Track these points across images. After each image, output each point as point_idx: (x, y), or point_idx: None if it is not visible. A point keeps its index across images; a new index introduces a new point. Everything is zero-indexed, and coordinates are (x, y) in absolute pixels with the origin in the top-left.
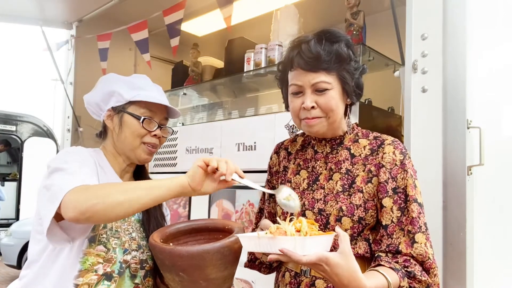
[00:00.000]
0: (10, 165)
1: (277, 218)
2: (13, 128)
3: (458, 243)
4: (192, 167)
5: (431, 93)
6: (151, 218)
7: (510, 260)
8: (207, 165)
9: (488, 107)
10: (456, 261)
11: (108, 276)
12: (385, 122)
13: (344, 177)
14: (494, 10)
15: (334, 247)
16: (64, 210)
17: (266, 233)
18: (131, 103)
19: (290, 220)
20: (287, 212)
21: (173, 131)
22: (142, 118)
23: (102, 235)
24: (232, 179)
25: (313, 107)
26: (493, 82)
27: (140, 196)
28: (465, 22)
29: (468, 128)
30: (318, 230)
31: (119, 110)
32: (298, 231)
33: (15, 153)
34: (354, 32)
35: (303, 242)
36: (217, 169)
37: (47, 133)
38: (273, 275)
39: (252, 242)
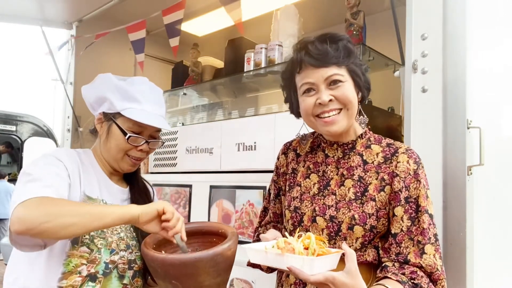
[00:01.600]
0: (10, 165)
1: (285, 233)
2: (13, 128)
3: (458, 243)
4: (151, 207)
5: (431, 93)
6: None
7: (510, 260)
8: (163, 213)
9: (488, 107)
10: (456, 261)
11: (92, 277)
12: (385, 122)
13: (356, 184)
14: (494, 10)
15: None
16: (11, 222)
17: (273, 247)
18: (121, 114)
19: (299, 236)
20: (296, 217)
21: (163, 143)
22: (128, 135)
23: (85, 236)
24: (173, 237)
25: (330, 101)
26: (493, 82)
27: (89, 221)
28: (465, 22)
29: (468, 128)
30: (327, 247)
31: (109, 118)
32: (306, 248)
33: (15, 153)
34: (354, 32)
35: (311, 262)
36: (168, 221)
37: (47, 133)
38: (273, 275)
39: (259, 255)
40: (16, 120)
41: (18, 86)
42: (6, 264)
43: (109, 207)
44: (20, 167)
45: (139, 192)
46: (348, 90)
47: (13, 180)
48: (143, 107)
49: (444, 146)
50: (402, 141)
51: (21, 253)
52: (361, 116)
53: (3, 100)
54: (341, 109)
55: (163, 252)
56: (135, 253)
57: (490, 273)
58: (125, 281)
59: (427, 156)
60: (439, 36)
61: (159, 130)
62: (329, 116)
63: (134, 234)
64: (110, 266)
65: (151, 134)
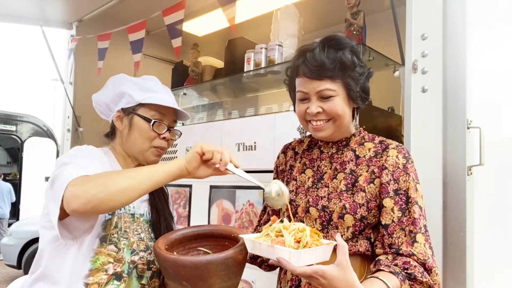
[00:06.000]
0: (10, 165)
1: (283, 219)
2: (13, 128)
3: (458, 243)
4: (190, 152)
5: (431, 93)
6: (160, 218)
7: (510, 260)
8: (203, 154)
9: (488, 107)
10: (456, 261)
11: (118, 276)
12: (385, 122)
13: (348, 177)
14: (494, 10)
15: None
16: (66, 203)
17: (269, 233)
18: (141, 105)
19: (292, 230)
20: (292, 209)
21: (181, 133)
22: (153, 121)
23: (113, 234)
24: (226, 169)
25: (318, 112)
26: (493, 82)
27: (142, 181)
28: (465, 22)
29: (468, 128)
30: (322, 237)
31: (129, 112)
32: (298, 241)
33: (15, 153)
34: (354, 32)
35: (297, 255)
36: (210, 160)
37: (47, 133)
38: (273, 275)
39: (254, 246)
40: (16, 120)
41: (18, 86)
42: (6, 264)
43: (156, 166)
44: (20, 167)
45: (158, 194)
46: (337, 104)
47: (12, 180)
48: (160, 96)
49: (444, 146)
50: (402, 141)
51: (50, 248)
52: (356, 122)
53: (3, 100)
54: (329, 119)
55: (174, 253)
56: (153, 254)
57: (490, 273)
58: (143, 282)
59: (427, 156)
60: (439, 36)
61: (175, 120)
62: (317, 124)
63: (152, 235)
64: (131, 266)
65: (170, 124)
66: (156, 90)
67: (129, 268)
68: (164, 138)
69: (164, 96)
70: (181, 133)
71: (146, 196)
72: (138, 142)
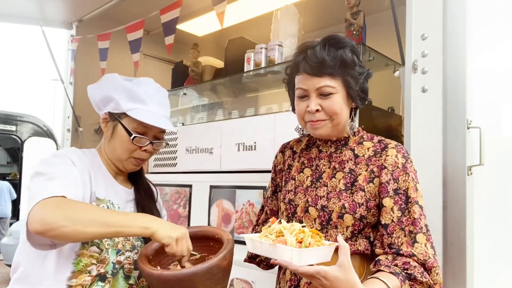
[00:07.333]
0: (10, 165)
1: (282, 220)
2: (13, 128)
3: (458, 243)
4: (163, 238)
5: (431, 93)
6: None
7: (510, 260)
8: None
9: (488, 107)
10: (456, 261)
11: (102, 277)
12: (385, 122)
13: (347, 176)
14: (494, 10)
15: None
16: (30, 221)
17: (270, 234)
18: (126, 114)
19: (293, 230)
20: (291, 209)
21: (167, 144)
22: (133, 136)
23: None
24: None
25: (317, 110)
26: (493, 82)
27: (106, 232)
28: (465, 22)
29: (468, 128)
30: (323, 239)
31: (114, 118)
32: (300, 242)
33: (15, 153)
34: (354, 32)
35: (299, 254)
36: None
37: (47, 133)
38: (273, 275)
39: (255, 245)
40: (16, 120)
41: (18, 86)
42: (6, 264)
43: (128, 218)
44: (20, 167)
45: (144, 193)
46: (337, 102)
47: (12, 180)
48: (149, 108)
49: (444, 146)
50: (402, 141)
51: (30, 251)
52: (353, 122)
53: (3, 100)
54: (326, 119)
55: (158, 267)
56: None
57: (490, 273)
58: (131, 281)
59: (427, 156)
60: (439, 36)
61: (163, 131)
62: (315, 122)
63: None
64: (116, 266)
65: (156, 135)
66: (146, 101)
67: (114, 269)
68: (145, 150)
69: (153, 107)
70: (167, 144)
71: (132, 196)
72: (117, 151)
